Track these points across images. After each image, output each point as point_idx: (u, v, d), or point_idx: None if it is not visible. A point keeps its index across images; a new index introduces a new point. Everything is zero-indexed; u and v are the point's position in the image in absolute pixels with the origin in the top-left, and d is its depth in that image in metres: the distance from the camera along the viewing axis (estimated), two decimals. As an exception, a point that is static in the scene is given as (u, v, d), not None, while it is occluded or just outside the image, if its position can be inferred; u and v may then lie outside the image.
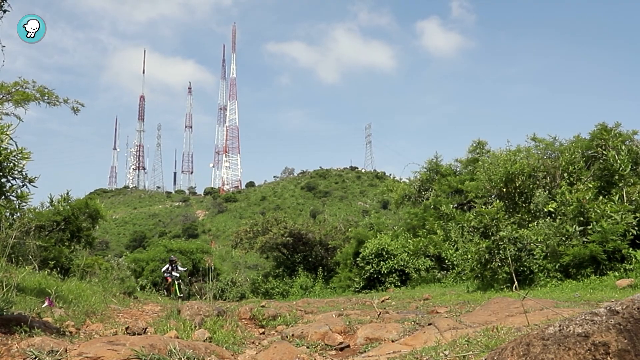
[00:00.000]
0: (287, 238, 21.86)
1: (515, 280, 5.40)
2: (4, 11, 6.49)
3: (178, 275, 15.35)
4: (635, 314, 1.65)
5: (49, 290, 5.13)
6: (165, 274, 15.98)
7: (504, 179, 12.52)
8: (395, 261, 15.76)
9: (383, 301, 8.83)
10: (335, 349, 4.02)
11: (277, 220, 23.36)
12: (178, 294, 14.92)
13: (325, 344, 4.13)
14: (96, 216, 12.42)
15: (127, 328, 4.32)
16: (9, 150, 3.90)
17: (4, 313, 3.81)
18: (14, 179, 4.05)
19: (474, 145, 19.88)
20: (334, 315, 5.47)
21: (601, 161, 11.51)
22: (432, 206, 18.10)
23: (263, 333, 5.08)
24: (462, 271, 12.94)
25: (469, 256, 10.62)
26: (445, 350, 3.07)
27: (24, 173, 4.07)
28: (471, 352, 2.93)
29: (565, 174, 11.94)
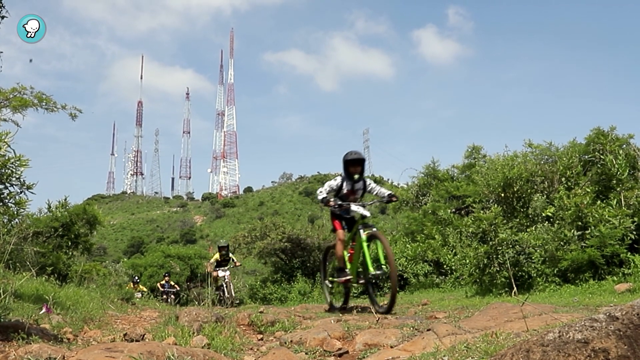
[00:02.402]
0: (285, 243, 21.79)
1: (514, 285, 5.40)
2: (2, 17, 6.48)
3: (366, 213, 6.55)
4: (635, 320, 1.65)
5: (47, 297, 5.10)
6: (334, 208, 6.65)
7: (502, 184, 12.53)
8: (393, 266, 15.70)
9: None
10: (334, 355, 4.01)
11: (275, 225, 23.30)
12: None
13: (324, 350, 4.12)
14: (94, 222, 12.39)
15: (125, 334, 4.30)
16: (6, 158, 3.89)
17: (2, 320, 3.79)
18: (11, 185, 4.04)
19: (469, 150, 19.89)
20: (332, 321, 5.45)
21: (598, 166, 11.51)
22: (430, 211, 18.09)
23: (261, 339, 5.05)
24: (460, 276, 12.91)
25: (467, 261, 10.60)
26: (444, 356, 3.07)
27: (22, 180, 4.06)
28: (470, 358, 2.92)
29: (563, 179, 11.95)
